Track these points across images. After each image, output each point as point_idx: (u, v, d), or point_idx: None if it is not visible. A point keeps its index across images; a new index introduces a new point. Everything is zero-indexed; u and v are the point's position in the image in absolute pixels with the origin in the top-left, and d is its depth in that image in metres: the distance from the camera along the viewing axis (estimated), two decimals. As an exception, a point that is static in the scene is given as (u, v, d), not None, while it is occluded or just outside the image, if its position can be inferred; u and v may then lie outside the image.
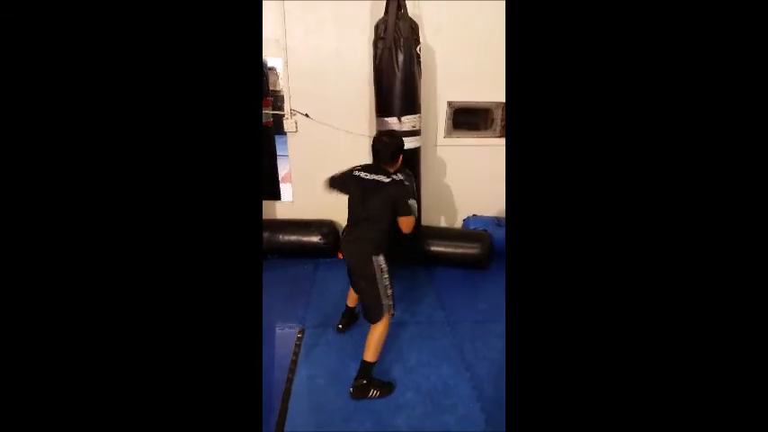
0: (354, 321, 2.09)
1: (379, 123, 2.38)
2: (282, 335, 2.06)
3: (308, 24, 2.58)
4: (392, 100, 2.25)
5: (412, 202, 1.59)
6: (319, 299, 2.38)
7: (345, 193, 1.70)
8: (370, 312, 1.64)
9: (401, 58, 2.16)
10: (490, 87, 2.78)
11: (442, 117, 2.84)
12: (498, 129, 2.91)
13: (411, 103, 2.28)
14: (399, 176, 1.60)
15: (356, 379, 1.63)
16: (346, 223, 1.73)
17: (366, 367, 1.63)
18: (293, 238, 2.79)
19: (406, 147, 2.11)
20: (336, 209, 2.97)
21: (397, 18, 2.14)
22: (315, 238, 2.79)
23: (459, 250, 2.70)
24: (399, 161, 1.66)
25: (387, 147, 1.62)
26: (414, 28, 2.20)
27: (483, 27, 2.61)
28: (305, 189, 2.92)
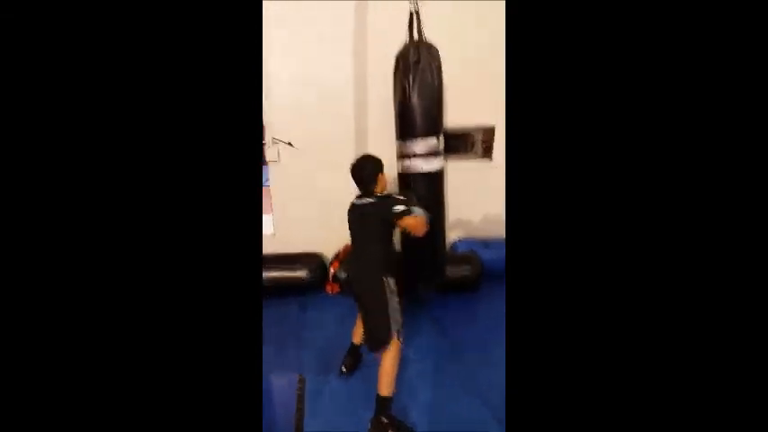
0: (359, 362, 1.95)
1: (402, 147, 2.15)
2: (280, 385, 1.87)
3: (288, 47, 2.51)
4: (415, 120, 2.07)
5: (414, 207, 1.55)
6: (314, 341, 2.20)
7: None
8: (377, 336, 1.56)
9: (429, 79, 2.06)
10: (472, 112, 2.82)
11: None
12: (480, 151, 2.94)
13: (435, 124, 2.11)
14: (387, 194, 1.66)
15: (374, 417, 1.50)
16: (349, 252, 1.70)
17: (383, 403, 1.51)
18: (276, 274, 2.60)
19: (435, 169, 2.05)
20: (323, 240, 2.86)
21: (420, 42, 2.07)
22: (301, 274, 2.62)
23: (450, 274, 2.64)
24: (380, 181, 1.69)
25: (361, 169, 1.67)
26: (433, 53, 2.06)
27: (462, 54, 2.66)
28: (288, 220, 2.77)
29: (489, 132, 2.90)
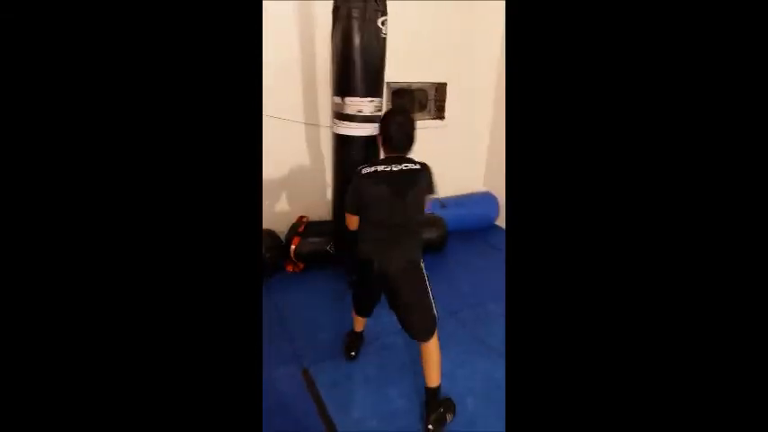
0: (362, 343, 1.79)
1: (338, 106, 2.01)
2: (283, 381, 1.60)
3: None
4: (354, 77, 1.91)
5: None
6: (295, 327, 1.95)
7: (365, 202, 1.37)
8: (424, 327, 1.39)
9: (366, 31, 1.84)
10: (425, 69, 2.72)
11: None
12: (433, 110, 2.88)
13: (375, 84, 1.99)
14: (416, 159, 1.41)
15: (430, 412, 1.38)
16: (364, 232, 1.42)
17: (436, 393, 1.40)
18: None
19: (370, 134, 1.90)
20: (274, 216, 2.50)
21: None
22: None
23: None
24: None
25: (410, 125, 1.39)
26: None
27: (418, 11, 2.50)
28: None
29: (442, 89, 2.84)
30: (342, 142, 2.04)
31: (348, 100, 1.92)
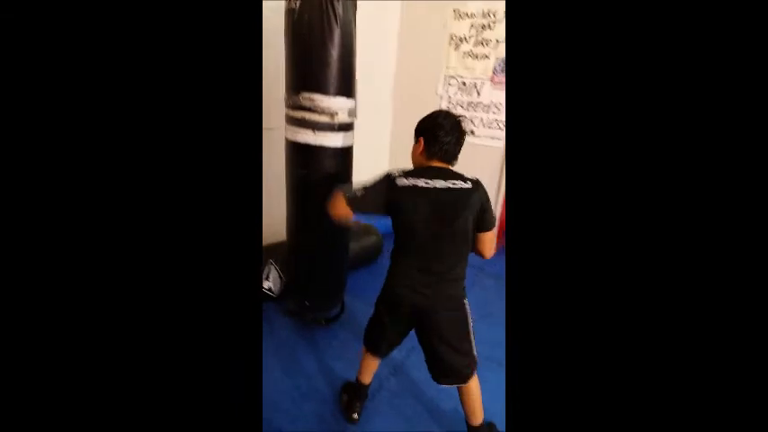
0: (366, 399, 1.50)
1: (294, 102, 1.54)
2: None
3: None
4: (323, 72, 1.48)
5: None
6: (292, 376, 1.55)
7: (396, 223, 1.14)
8: (462, 369, 1.23)
9: (337, 16, 1.46)
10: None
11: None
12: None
13: (347, 83, 1.57)
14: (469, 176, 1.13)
15: None
16: (396, 259, 1.19)
17: (481, 429, 1.33)
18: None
19: (341, 145, 1.62)
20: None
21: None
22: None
23: (358, 249, 2.37)
24: None
25: (460, 132, 1.13)
26: None
27: None
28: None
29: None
30: (303, 153, 1.61)
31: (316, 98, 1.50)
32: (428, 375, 1.29)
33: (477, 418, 1.31)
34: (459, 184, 1.08)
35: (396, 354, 1.48)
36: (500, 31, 2.62)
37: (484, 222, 1.12)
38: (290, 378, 1.61)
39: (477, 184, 1.11)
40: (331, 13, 1.44)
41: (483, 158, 2.70)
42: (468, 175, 1.11)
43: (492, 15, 2.62)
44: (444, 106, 2.94)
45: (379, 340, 1.32)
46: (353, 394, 1.47)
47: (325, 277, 1.82)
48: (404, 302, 1.16)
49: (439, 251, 1.11)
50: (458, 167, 1.17)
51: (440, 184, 1.08)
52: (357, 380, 1.45)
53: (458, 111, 2.89)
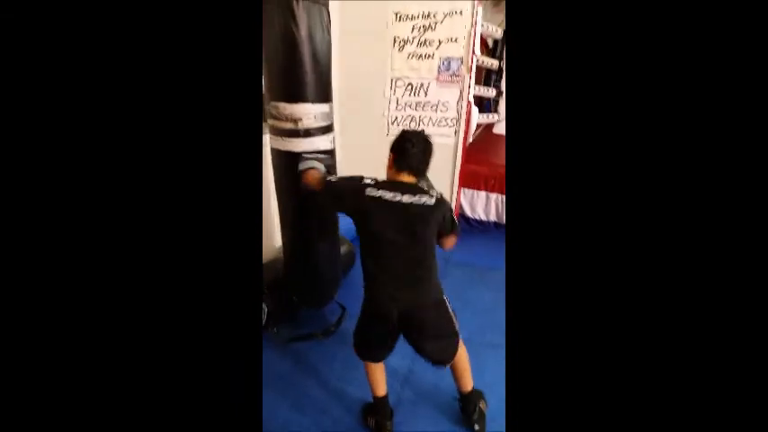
0: (393, 414, 1.45)
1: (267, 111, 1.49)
2: None
3: None
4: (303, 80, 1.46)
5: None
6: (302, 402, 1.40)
7: (362, 231, 1.23)
8: (449, 349, 1.30)
9: (310, 21, 1.40)
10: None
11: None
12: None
13: (316, 88, 1.54)
14: (433, 190, 1.25)
15: (470, 414, 1.37)
16: (368, 271, 1.24)
17: (474, 396, 1.39)
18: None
19: (323, 148, 1.60)
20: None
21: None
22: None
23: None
24: None
25: (426, 147, 1.24)
26: None
27: None
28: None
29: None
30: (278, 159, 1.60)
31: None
32: (440, 374, 1.39)
33: (467, 383, 1.37)
34: (425, 199, 1.17)
35: (400, 362, 1.54)
36: (441, 31, 2.70)
37: (446, 230, 1.25)
38: (301, 414, 1.48)
39: (440, 199, 1.22)
40: (290, 20, 1.38)
41: (435, 155, 2.75)
42: (432, 191, 1.22)
43: (433, 16, 2.69)
44: (392, 108, 2.95)
45: (371, 348, 1.34)
46: (378, 414, 1.40)
47: (314, 271, 1.82)
48: (387, 311, 1.21)
49: (408, 260, 1.20)
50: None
51: (406, 198, 1.16)
52: (374, 397, 1.40)
53: (407, 112, 2.92)
